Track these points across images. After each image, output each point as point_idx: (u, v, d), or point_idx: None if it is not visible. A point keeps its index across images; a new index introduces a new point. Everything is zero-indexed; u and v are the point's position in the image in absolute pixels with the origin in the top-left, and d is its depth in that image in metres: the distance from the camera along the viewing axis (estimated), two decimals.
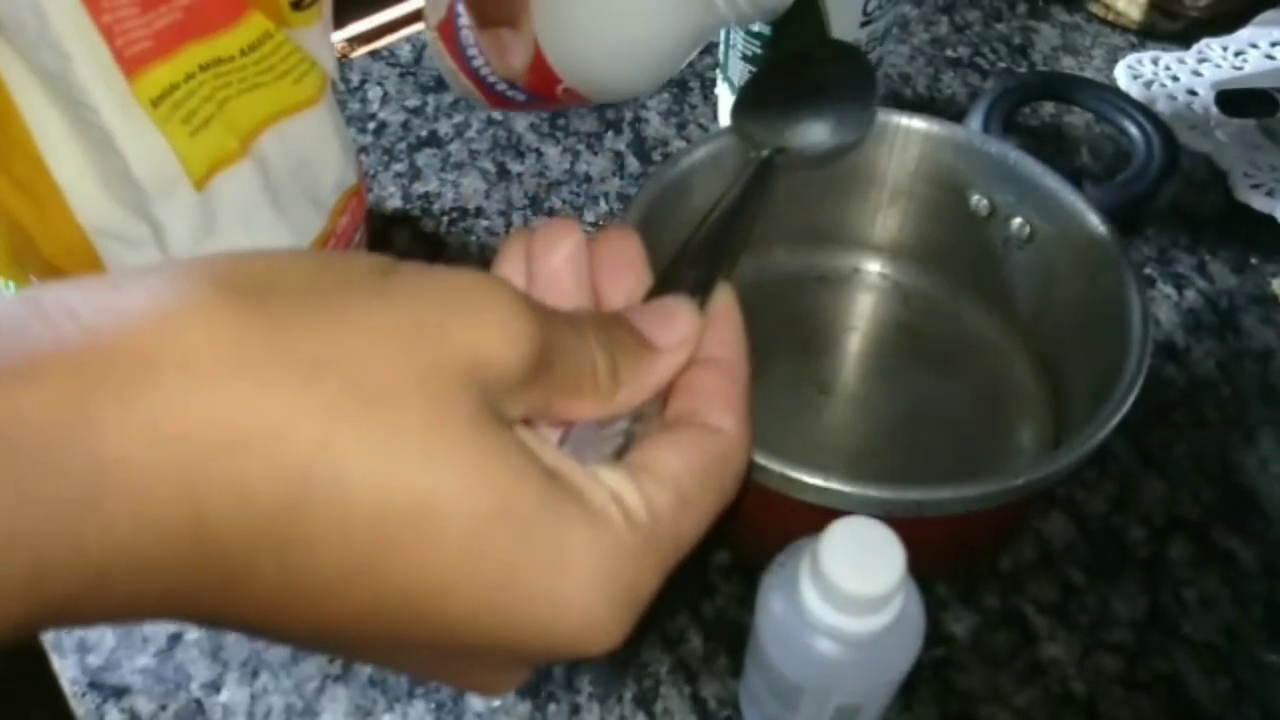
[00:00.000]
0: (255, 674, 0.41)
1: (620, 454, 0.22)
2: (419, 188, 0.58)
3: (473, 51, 0.41)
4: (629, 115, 0.62)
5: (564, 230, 0.24)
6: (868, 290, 0.52)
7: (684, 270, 0.25)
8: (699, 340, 0.23)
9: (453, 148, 0.60)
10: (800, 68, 0.40)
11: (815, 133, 0.37)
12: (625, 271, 0.24)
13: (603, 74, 0.40)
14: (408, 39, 0.67)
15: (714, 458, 0.21)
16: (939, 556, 0.42)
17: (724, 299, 0.24)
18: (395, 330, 0.17)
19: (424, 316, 0.18)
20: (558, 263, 0.23)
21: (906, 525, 0.31)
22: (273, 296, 0.17)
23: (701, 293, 0.24)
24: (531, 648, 0.19)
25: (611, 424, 0.22)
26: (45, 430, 0.15)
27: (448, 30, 0.42)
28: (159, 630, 0.42)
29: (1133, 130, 0.56)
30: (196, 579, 0.16)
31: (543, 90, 0.41)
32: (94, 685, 0.41)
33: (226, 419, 0.16)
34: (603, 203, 0.58)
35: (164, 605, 0.17)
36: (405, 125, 0.62)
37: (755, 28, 0.54)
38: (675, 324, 0.23)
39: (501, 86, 0.42)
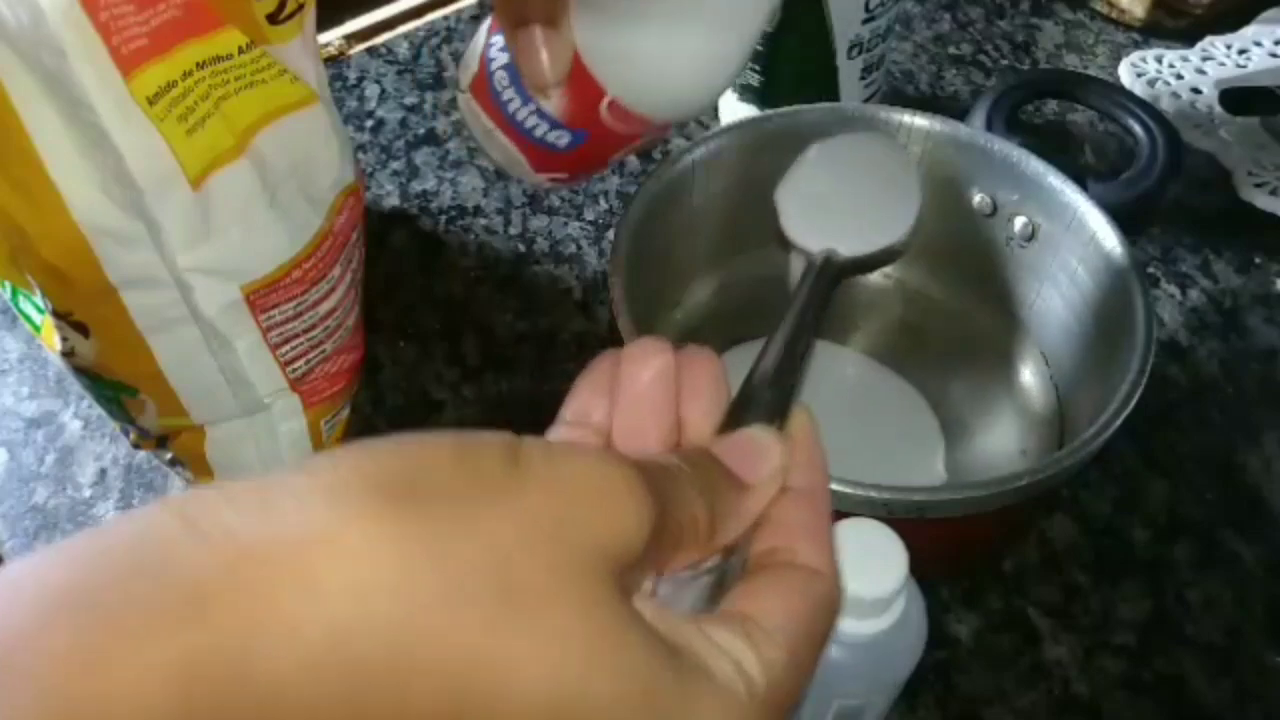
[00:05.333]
0: None
1: (714, 592, 0.22)
2: (417, 186, 0.58)
3: (508, 95, 0.38)
4: None
5: (655, 349, 0.24)
6: (870, 289, 0.52)
7: (759, 391, 0.25)
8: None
9: (451, 145, 0.60)
10: (840, 163, 0.39)
11: (865, 239, 0.36)
12: (708, 390, 0.24)
13: (652, 78, 0.36)
14: (405, 36, 0.66)
15: (817, 606, 0.22)
16: (941, 558, 0.41)
17: (802, 422, 0.24)
18: (535, 534, 0.18)
19: (560, 515, 0.18)
20: (646, 382, 0.24)
21: (908, 526, 0.31)
22: (420, 504, 0.17)
23: (779, 415, 0.24)
24: None
25: (703, 563, 0.22)
26: (216, 679, 0.15)
27: (480, 83, 0.39)
28: None
29: (1137, 128, 0.55)
30: None
31: (586, 111, 0.37)
32: None
33: (391, 641, 0.16)
34: (602, 201, 0.57)
35: None
36: (403, 123, 0.61)
37: None
38: (765, 459, 0.23)
39: (541, 130, 0.38)
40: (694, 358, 0.24)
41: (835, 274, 0.33)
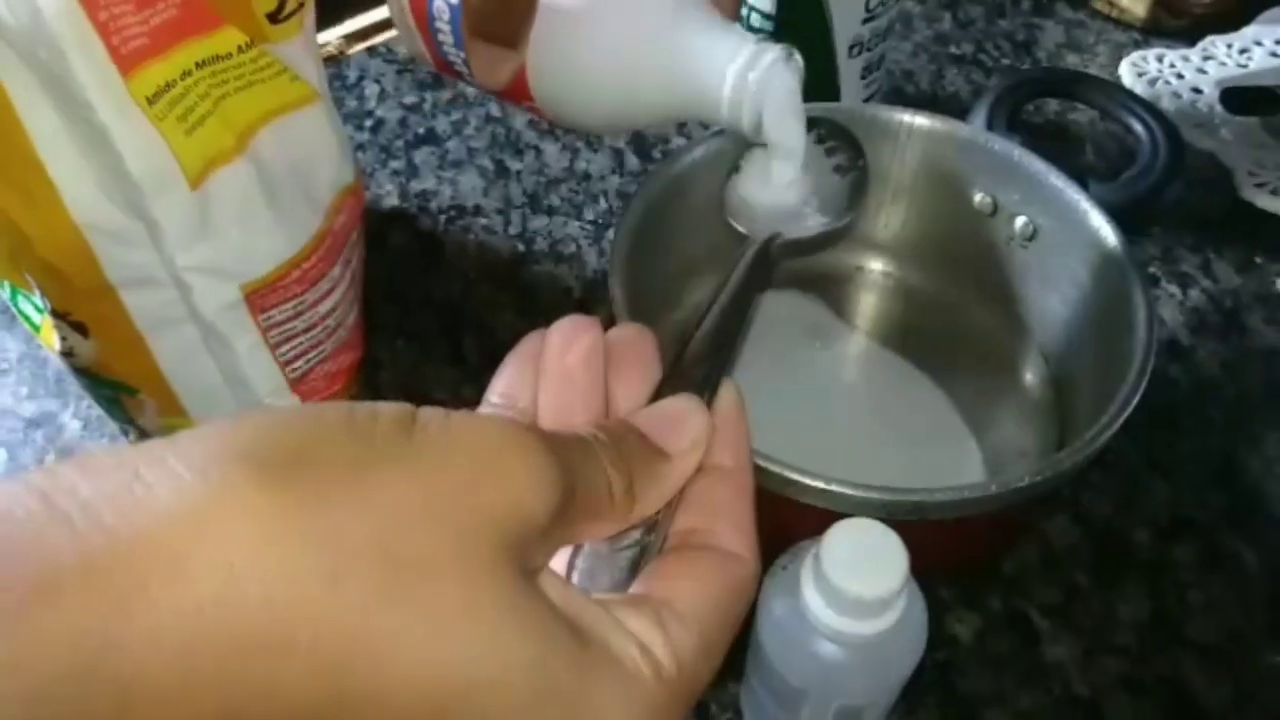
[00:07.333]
0: None
1: (634, 567, 0.22)
2: (416, 185, 0.58)
3: (441, 27, 0.41)
4: None
5: (583, 327, 0.23)
6: (870, 289, 0.52)
7: (689, 367, 0.25)
8: (709, 444, 0.23)
9: (450, 145, 0.60)
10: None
11: (809, 218, 0.36)
12: (637, 369, 0.24)
13: (577, 114, 0.41)
14: None
15: (732, 591, 0.21)
16: (942, 558, 0.41)
17: (729, 399, 0.24)
18: (427, 504, 0.17)
19: (454, 484, 0.18)
20: (573, 361, 0.23)
21: (909, 527, 0.31)
22: (303, 476, 0.17)
23: (709, 390, 0.24)
24: None
25: (624, 537, 0.22)
26: (69, 664, 0.14)
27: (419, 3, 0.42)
28: None
29: (1138, 128, 0.55)
30: None
31: (507, 94, 0.42)
32: None
33: (262, 620, 0.15)
34: (602, 201, 0.57)
35: None
36: (402, 122, 0.61)
37: (756, 24, 0.53)
38: (685, 427, 0.22)
39: (459, 68, 0.43)
40: (626, 337, 0.24)
41: (777, 254, 0.32)
